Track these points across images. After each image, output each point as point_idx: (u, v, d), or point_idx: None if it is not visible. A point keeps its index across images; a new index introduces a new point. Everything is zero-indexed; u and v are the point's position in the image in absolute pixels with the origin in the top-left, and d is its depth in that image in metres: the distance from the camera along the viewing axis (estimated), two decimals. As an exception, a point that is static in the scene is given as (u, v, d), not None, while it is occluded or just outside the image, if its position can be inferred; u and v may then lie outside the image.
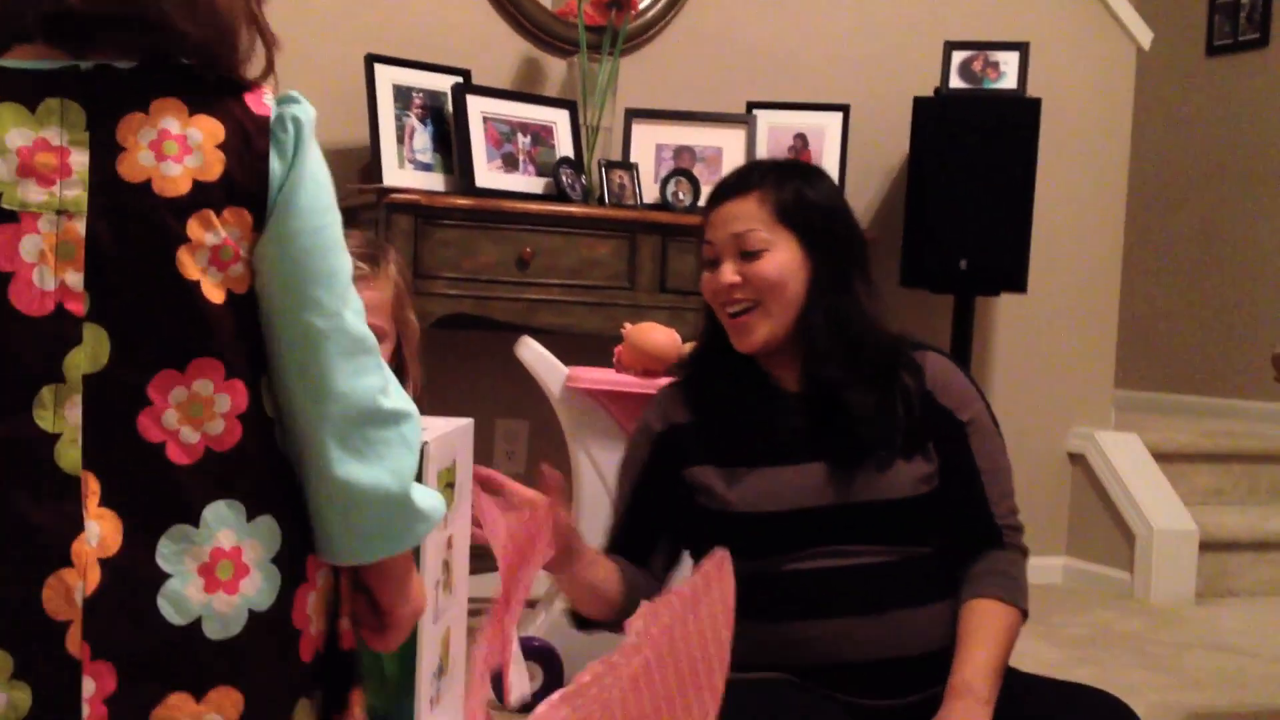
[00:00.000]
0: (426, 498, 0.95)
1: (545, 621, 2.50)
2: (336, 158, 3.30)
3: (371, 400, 0.91)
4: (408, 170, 3.11)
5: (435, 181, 3.15)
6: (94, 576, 0.81)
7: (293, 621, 0.90)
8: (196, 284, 0.87)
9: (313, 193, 0.93)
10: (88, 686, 0.81)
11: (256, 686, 0.87)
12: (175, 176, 0.86)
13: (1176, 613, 3.65)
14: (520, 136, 3.24)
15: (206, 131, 0.88)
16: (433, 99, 3.21)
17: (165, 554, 0.84)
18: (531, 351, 2.60)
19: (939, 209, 3.59)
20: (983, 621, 1.83)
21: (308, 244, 0.92)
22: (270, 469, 0.90)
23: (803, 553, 1.84)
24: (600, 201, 3.26)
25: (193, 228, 0.87)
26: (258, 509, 0.88)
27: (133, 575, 0.83)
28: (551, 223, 3.09)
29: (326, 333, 0.90)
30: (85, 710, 0.81)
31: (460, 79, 3.25)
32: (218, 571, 0.85)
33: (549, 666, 2.48)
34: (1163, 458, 4.09)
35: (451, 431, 1.14)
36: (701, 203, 3.30)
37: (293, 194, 0.91)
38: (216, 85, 0.91)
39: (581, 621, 1.91)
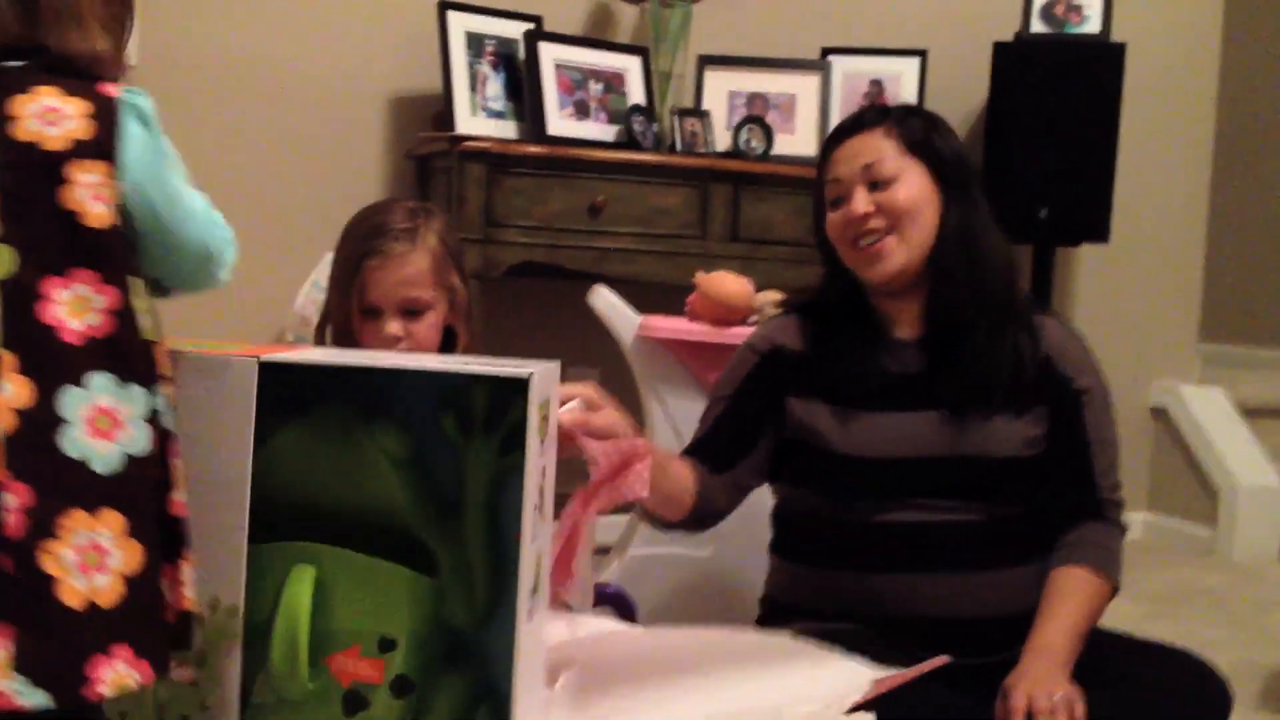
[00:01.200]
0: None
1: (618, 568, 2.50)
2: (409, 105, 3.30)
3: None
4: (480, 118, 3.10)
5: (507, 129, 3.14)
6: (10, 421, 1.14)
7: (162, 470, 1.19)
8: (74, 213, 1.19)
9: (146, 150, 1.25)
10: (10, 500, 1.12)
11: (134, 513, 1.17)
12: (56, 136, 1.20)
13: (1259, 570, 3.59)
14: (592, 84, 3.22)
15: (78, 107, 1.22)
16: (505, 46, 3.19)
17: (61, 406, 1.15)
18: (604, 300, 2.59)
19: (1019, 157, 3.52)
20: (1071, 588, 1.81)
21: (151, 186, 1.25)
22: (138, 351, 1.20)
23: (896, 503, 1.82)
24: (672, 149, 3.23)
25: (70, 172, 1.19)
26: (128, 379, 1.18)
27: (39, 420, 1.14)
28: (623, 171, 3.07)
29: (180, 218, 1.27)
30: (9, 518, 1.12)
31: (532, 25, 3.22)
32: (99, 423, 1.17)
33: (622, 612, 2.48)
34: (1250, 412, 4.00)
35: (546, 370, 1.28)
36: (782, 150, 3.27)
37: (133, 151, 1.24)
38: (84, 77, 1.25)
39: (658, 521, 1.91)
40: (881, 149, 1.86)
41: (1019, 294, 1.91)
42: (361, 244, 1.81)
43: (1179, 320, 4.12)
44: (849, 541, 1.83)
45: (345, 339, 1.84)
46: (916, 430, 1.83)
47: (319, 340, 1.91)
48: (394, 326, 1.80)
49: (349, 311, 1.82)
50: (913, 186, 1.85)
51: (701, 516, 1.92)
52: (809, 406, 1.88)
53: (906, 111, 1.93)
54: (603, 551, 2.65)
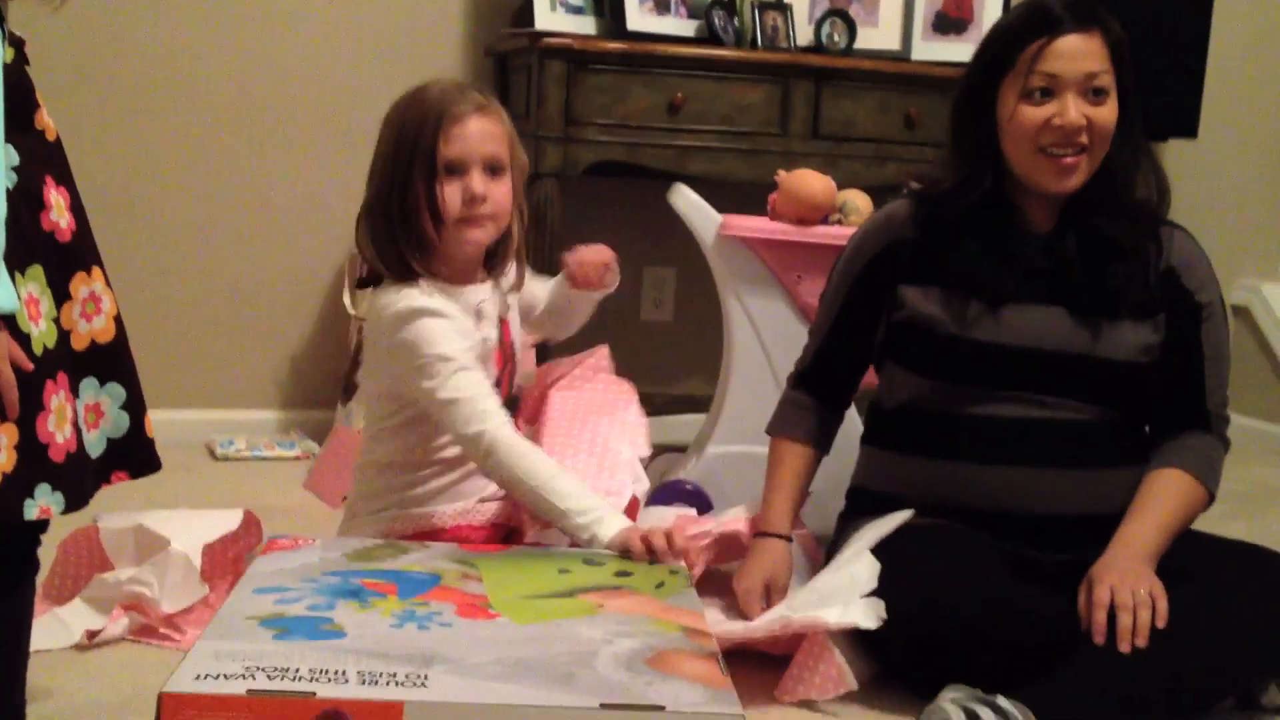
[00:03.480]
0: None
1: (697, 466, 2.52)
2: (488, 2, 3.28)
3: None
4: (559, 14, 3.07)
5: (587, 25, 3.11)
6: None
7: None
8: None
9: None
10: None
11: None
12: None
13: (1340, 470, 3.55)
14: (672, -22, 3.17)
15: None
16: (583, -60, 3.15)
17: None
18: (685, 199, 2.58)
19: (1106, 50, 3.44)
20: (1166, 488, 1.82)
21: None
22: None
23: (1005, 394, 1.83)
24: (753, 44, 3.19)
25: None
26: None
27: None
28: (703, 67, 3.04)
29: None
30: None
31: (611, -81, 3.17)
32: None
33: (701, 509, 2.51)
34: (1335, 312, 3.94)
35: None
36: (864, 44, 3.21)
37: None
38: None
39: None
40: (1102, 58, 1.81)
41: (1152, 214, 1.89)
42: (439, 106, 1.81)
43: (1265, 218, 4.03)
44: (952, 430, 1.85)
45: (406, 218, 1.81)
46: (1034, 323, 1.83)
47: (361, 232, 1.87)
48: (479, 181, 1.81)
49: (418, 183, 1.80)
50: (1114, 105, 1.83)
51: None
52: (924, 293, 1.88)
53: (1105, 11, 1.85)
54: (679, 450, 2.68)
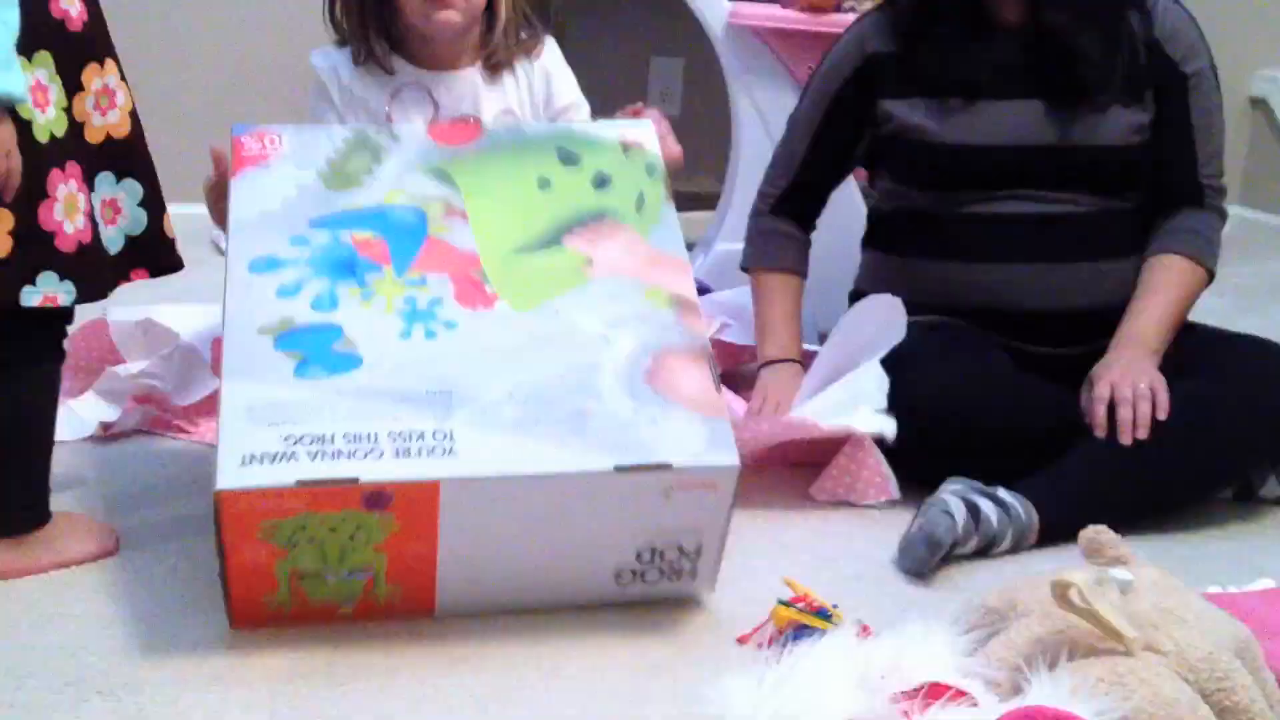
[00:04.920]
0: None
1: (703, 263, 2.52)
2: None
3: None
4: None
5: None
6: None
7: None
8: None
9: None
10: None
11: None
12: None
13: (1352, 264, 3.54)
14: None
15: None
16: None
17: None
18: (693, -15, 2.51)
19: None
20: (1165, 276, 1.81)
21: None
22: None
23: (1002, 192, 1.82)
24: None
25: None
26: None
27: None
28: None
29: None
30: None
31: None
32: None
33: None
34: (1358, 103, 3.86)
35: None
36: None
37: None
38: None
39: None
40: None
41: None
42: None
43: (1287, 6, 3.93)
44: (950, 232, 1.84)
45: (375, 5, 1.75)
46: (1019, 119, 1.80)
47: (330, 11, 1.80)
48: None
49: None
50: None
51: None
52: (907, 104, 1.85)
53: None
54: (686, 248, 2.66)
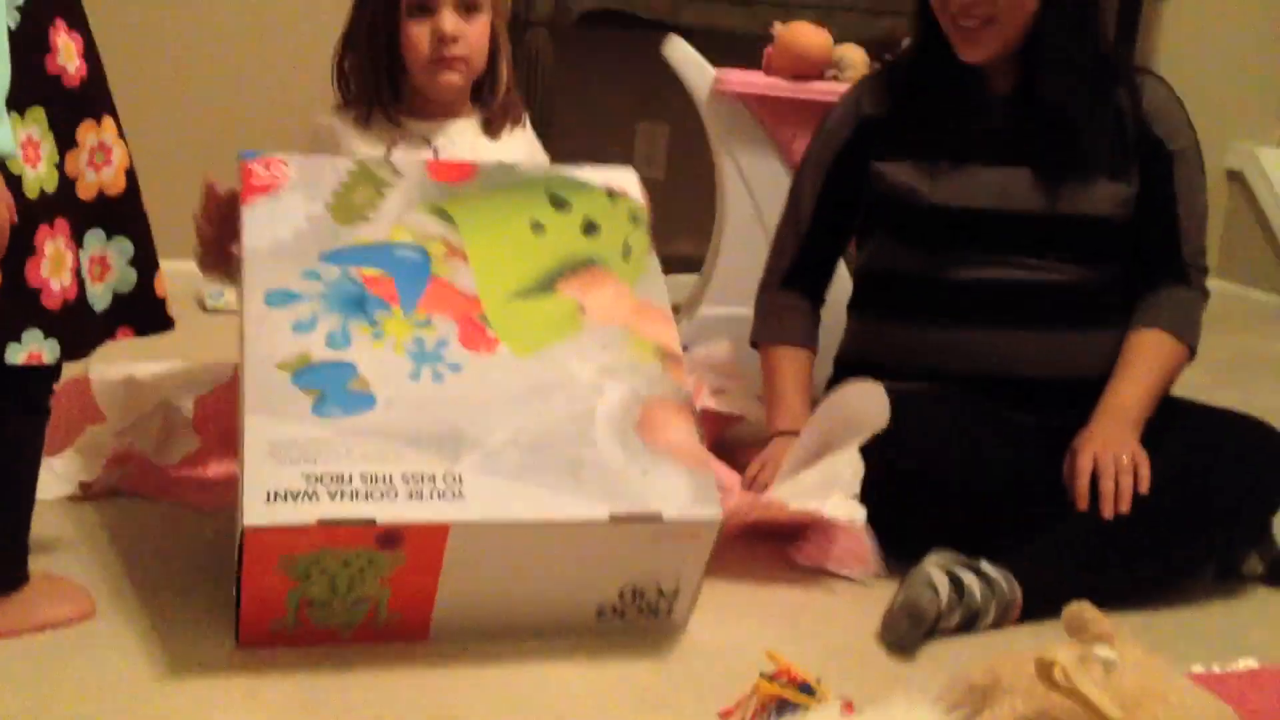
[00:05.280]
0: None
1: (688, 327, 2.52)
2: None
3: None
4: None
5: None
6: None
7: None
8: None
9: None
10: None
11: None
12: None
13: (1327, 338, 3.57)
14: None
15: None
16: None
17: None
18: (679, 51, 2.54)
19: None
20: (1147, 350, 1.82)
21: None
22: None
23: (985, 258, 1.83)
24: (751, -108, 3.11)
25: None
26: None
27: None
28: (700, -85, 2.96)
29: None
30: None
31: None
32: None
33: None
34: (1329, 178, 3.91)
35: None
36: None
37: None
38: None
39: None
40: None
41: (1119, 62, 1.87)
42: None
43: (1262, 81, 3.99)
44: (935, 296, 1.85)
45: (380, 60, 1.78)
46: (1007, 185, 1.82)
47: (339, 71, 1.84)
48: (450, 21, 1.75)
49: (390, 22, 1.76)
50: None
51: None
52: (898, 167, 1.87)
53: None
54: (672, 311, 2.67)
